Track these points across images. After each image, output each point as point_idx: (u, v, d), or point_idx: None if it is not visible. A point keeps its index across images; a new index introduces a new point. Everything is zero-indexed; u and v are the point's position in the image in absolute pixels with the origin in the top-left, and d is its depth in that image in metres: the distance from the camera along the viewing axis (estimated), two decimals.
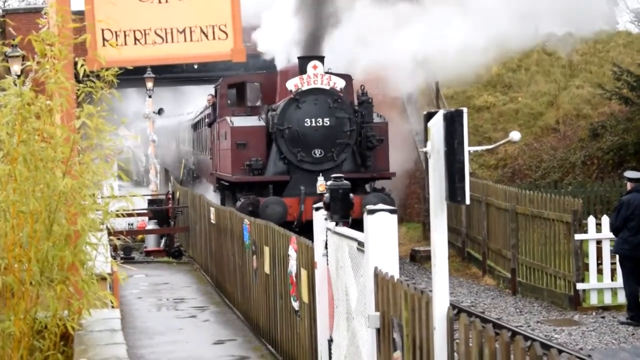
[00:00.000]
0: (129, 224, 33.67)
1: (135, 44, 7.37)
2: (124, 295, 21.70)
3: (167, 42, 7.35)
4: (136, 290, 23.38)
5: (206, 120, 32.54)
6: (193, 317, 19.80)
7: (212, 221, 23.15)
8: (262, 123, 25.50)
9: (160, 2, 7.36)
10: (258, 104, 27.43)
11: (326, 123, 24.40)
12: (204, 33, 7.38)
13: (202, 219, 25.75)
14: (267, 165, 24.84)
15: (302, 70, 24.71)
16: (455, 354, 7.83)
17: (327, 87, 24.59)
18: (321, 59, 24.85)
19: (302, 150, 24.46)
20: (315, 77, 24.51)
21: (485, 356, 7.20)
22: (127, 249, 30.82)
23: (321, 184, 22.84)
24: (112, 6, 7.23)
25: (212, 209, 23.33)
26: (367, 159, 25.01)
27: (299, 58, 25.13)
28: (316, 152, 24.45)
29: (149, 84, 37.40)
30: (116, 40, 7.39)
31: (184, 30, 7.37)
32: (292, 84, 24.56)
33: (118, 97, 7.70)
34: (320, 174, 23.54)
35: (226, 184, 27.31)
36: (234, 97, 28.36)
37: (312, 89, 24.50)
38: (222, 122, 27.15)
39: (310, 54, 25.02)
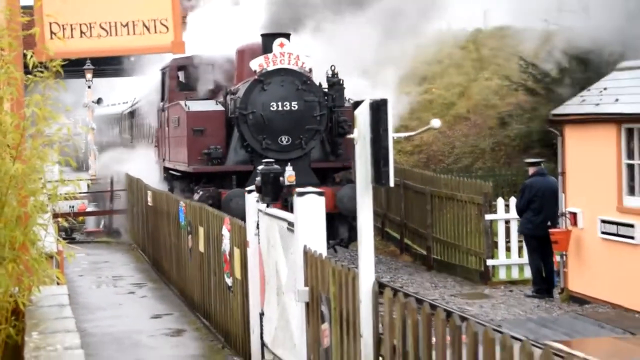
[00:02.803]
0: (70, 207, 33.34)
1: (82, 37, 7.30)
2: (67, 273, 21.47)
3: (111, 35, 7.29)
4: (78, 268, 23.17)
5: (149, 106, 29.59)
6: (132, 294, 19.67)
7: (150, 203, 22.98)
8: (221, 107, 21.92)
9: None
10: (211, 87, 24.04)
11: (294, 107, 20.65)
12: (146, 27, 7.32)
13: (139, 202, 25.53)
14: (227, 153, 21.28)
15: (266, 49, 20.94)
16: (380, 325, 7.87)
17: (296, 68, 20.81)
18: (287, 36, 21.06)
19: (268, 137, 20.71)
20: (282, 57, 20.71)
21: (408, 327, 7.25)
22: (68, 230, 30.54)
23: (290, 175, 19.00)
24: (59, 1, 7.16)
25: (149, 192, 23.15)
26: (338, 147, 21.46)
27: (262, 35, 21.25)
28: (283, 139, 20.72)
29: (89, 75, 37.06)
30: (63, 33, 7.31)
31: (127, 24, 7.31)
32: (256, 64, 20.76)
33: (63, 87, 7.65)
34: (289, 164, 19.49)
35: (177, 174, 23.78)
36: (184, 81, 25.08)
37: (279, 69, 20.67)
38: (173, 106, 23.65)
39: (276, 32, 21.22)
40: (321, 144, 21.21)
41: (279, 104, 20.57)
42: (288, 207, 18.77)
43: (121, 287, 20.58)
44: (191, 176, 22.03)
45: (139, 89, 33.84)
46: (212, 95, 23.41)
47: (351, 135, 7.80)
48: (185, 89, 24.44)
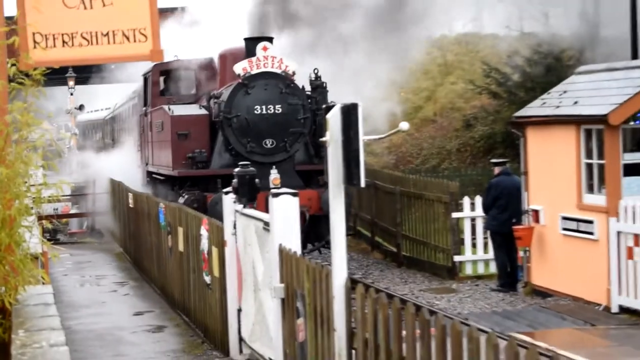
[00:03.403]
0: (54, 209, 33.19)
1: (63, 46, 7.29)
2: (52, 273, 21.37)
3: (92, 44, 7.28)
4: (62, 268, 23.07)
5: (131, 111, 29.04)
6: (114, 292, 19.61)
7: (130, 205, 22.90)
8: (204, 111, 21.17)
9: (85, 8, 7.31)
10: (193, 91, 23.50)
11: (278, 110, 19.98)
12: (125, 36, 7.33)
13: (121, 204, 25.43)
14: (211, 157, 20.57)
15: (249, 52, 20.32)
16: (353, 320, 7.88)
17: (279, 71, 20.12)
18: (270, 39, 20.41)
19: (252, 141, 19.98)
20: (266, 60, 20.02)
21: (379, 321, 7.26)
22: (52, 232, 30.41)
23: (275, 178, 18.85)
24: (42, 12, 7.15)
25: (130, 195, 23.06)
26: (322, 150, 19.54)
27: (245, 39, 20.60)
28: (267, 142, 19.99)
29: (71, 83, 36.92)
30: (45, 42, 7.30)
31: (107, 34, 7.32)
32: (240, 68, 20.09)
33: (44, 94, 7.64)
34: (274, 167, 19.25)
35: (161, 177, 23.04)
36: (166, 85, 24.19)
37: (262, 72, 20.02)
38: (156, 111, 22.94)
39: (258, 35, 20.54)
40: (305, 147, 20.80)
41: (263, 107, 19.96)
42: None
43: (104, 285, 20.51)
44: (175, 180, 21.31)
45: (119, 95, 33.63)
46: (195, 99, 22.84)
47: (323, 138, 7.81)
48: (168, 94, 23.78)
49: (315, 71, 20.69)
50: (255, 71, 19.98)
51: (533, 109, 17.39)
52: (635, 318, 14.37)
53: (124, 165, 28.38)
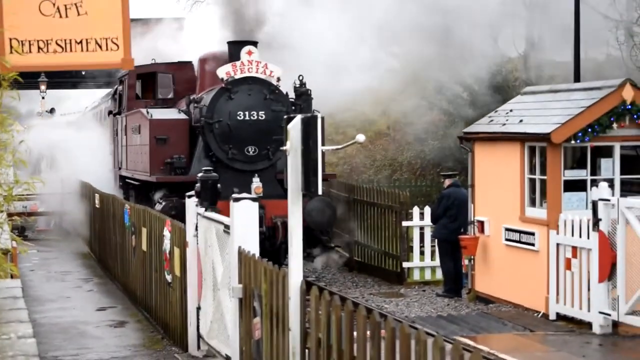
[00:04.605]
0: (23, 207, 32.85)
1: (39, 52, 7.27)
2: (19, 268, 21.14)
3: (66, 51, 7.26)
4: (29, 264, 22.86)
5: (103, 114, 27.95)
6: (79, 288, 19.46)
7: (97, 205, 22.74)
8: (184, 116, 19.80)
9: (61, 16, 7.29)
10: (170, 96, 21.94)
11: (261, 117, 18.60)
12: (98, 44, 7.31)
13: (88, 203, 25.22)
14: (190, 163, 19.08)
15: (232, 57, 18.99)
16: (307, 320, 7.88)
17: (263, 77, 18.82)
18: (255, 44, 18.99)
19: (234, 147, 18.67)
20: (250, 65, 18.70)
21: (332, 322, 7.26)
22: (21, 228, 30.11)
23: (257, 187, 17.69)
24: (19, 18, 7.14)
25: (97, 195, 22.89)
26: None
27: (229, 43, 19.21)
28: (249, 149, 18.69)
29: (43, 87, 36.64)
30: (22, 48, 7.26)
31: (81, 42, 7.29)
32: (223, 72, 18.73)
33: (18, 96, 7.62)
34: (256, 175, 18.06)
35: (136, 183, 21.54)
36: (142, 89, 22.87)
37: (246, 77, 18.69)
38: (133, 114, 21.42)
39: (242, 39, 19.11)
40: None
41: (246, 113, 18.66)
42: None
43: (69, 281, 20.34)
44: (151, 186, 19.84)
45: (90, 99, 33.27)
46: (173, 103, 21.55)
47: (284, 147, 7.80)
48: (145, 97, 22.54)
49: (300, 78, 19.39)
50: (239, 75, 18.78)
51: (481, 125, 17.48)
52: (572, 325, 14.48)
53: (94, 167, 27.16)
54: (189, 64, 21.81)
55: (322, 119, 19.17)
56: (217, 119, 18.69)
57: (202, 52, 20.82)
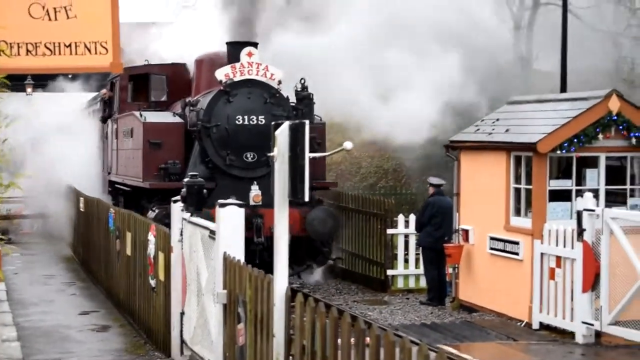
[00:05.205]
0: (7, 210, 32.74)
1: (28, 54, 7.26)
2: (3, 271, 21.13)
3: (55, 54, 7.26)
4: (12, 267, 22.77)
5: (91, 117, 27.18)
6: (62, 291, 19.39)
7: (81, 209, 22.67)
8: (179, 119, 18.89)
9: (50, 19, 7.29)
10: (164, 98, 21.08)
11: (261, 121, 17.69)
12: (87, 48, 7.31)
13: (72, 207, 25.13)
14: (185, 169, 18.02)
15: (231, 58, 18.12)
16: (291, 327, 7.89)
17: (264, 79, 17.99)
18: (255, 45, 18.09)
19: (232, 153, 17.81)
20: (250, 67, 17.83)
21: (317, 329, 7.26)
22: (4, 231, 30.00)
23: (256, 195, 17.01)
24: (8, 20, 7.13)
25: (82, 199, 22.82)
26: None
27: (228, 44, 18.34)
28: (248, 155, 17.80)
29: (29, 89, 36.57)
30: (11, 50, 7.27)
31: (70, 45, 7.29)
32: (222, 74, 17.86)
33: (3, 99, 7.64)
34: (255, 182, 17.38)
35: (127, 189, 20.70)
36: (135, 91, 21.71)
37: (246, 80, 17.86)
38: (126, 117, 20.62)
39: (243, 40, 18.17)
40: None
41: (245, 117, 17.82)
42: (253, 229, 16.89)
43: (52, 285, 20.28)
44: (144, 192, 19.01)
45: (77, 102, 33.03)
46: (166, 106, 20.64)
47: (271, 154, 7.82)
48: (137, 100, 21.42)
49: (302, 81, 18.57)
50: (238, 78, 17.92)
51: (467, 134, 17.53)
52: (555, 335, 14.52)
53: (81, 171, 26.47)
54: (183, 65, 21.13)
55: (324, 124, 19.30)
56: (214, 123, 17.89)
57: (199, 54, 20.10)
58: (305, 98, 18.51)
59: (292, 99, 18.66)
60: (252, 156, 17.88)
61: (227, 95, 17.88)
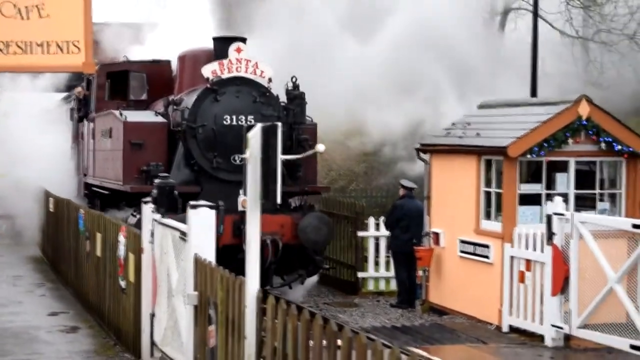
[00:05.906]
0: None
1: None
2: None
3: (27, 53, 7.20)
4: None
5: (64, 116, 26.16)
6: (31, 292, 19.23)
7: (51, 209, 22.52)
8: (162, 119, 17.77)
9: (22, 18, 7.23)
10: (143, 97, 19.95)
11: (250, 122, 16.28)
12: (59, 47, 7.26)
13: (41, 208, 24.94)
14: (169, 172, 16.53)
15: (218, 54, 17.10)
16: (263, 329, 7.87)
17: (254, 77, 16.96)
18: (244, 40, 17.11)
19: (219, 155, 16.79)
20: (239, 63, 16.78)
21: (288, 331, 7.25)
22: None
23: (244, 199, 16.68)
24: None
25: (51, 199, 22.65)
26: (297, 169, 17.38)
27: (215, 39, 17.36)
28: (236, 157, 16.59)
29: None
30: None
31: (42, 44, 7.24)
32: (209, 70, 16.83)
33: None
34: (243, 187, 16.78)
35: (105, 192, 19.54)
36: (113, 89, 20.63)
37: (234, 77, 16.84)
38: (104, 116, 19.51)
39: (230, 35, 17.40)
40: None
41: (233, 117, 16.81)
42: (242, 236, 15.42)
43: (21, 286, 20.12)
44: (123, 196, 18.02)
45: (48, 101, 32.71)
46: (146, 105, 19.66)
47: (243, 155, 7.79)
48: (115, 98, 20.37)
49: (293, 79, 17.56)
50: (226, 75, 16.90)
51: (438, 137, 17.56)
52: (524, 338, 14.58)
53: (53, 173, 25.34)
54: (164, 62, 20.26)
55: (315, 125, 18.21)
56: (200, 123, 16.91)
57: (182, 50, 18.98)
58: (296, 97, 17.54)
59: (283, 98, 17.79)
60: (240, 159, 16.31)
61: (214, 94, 16.95)
